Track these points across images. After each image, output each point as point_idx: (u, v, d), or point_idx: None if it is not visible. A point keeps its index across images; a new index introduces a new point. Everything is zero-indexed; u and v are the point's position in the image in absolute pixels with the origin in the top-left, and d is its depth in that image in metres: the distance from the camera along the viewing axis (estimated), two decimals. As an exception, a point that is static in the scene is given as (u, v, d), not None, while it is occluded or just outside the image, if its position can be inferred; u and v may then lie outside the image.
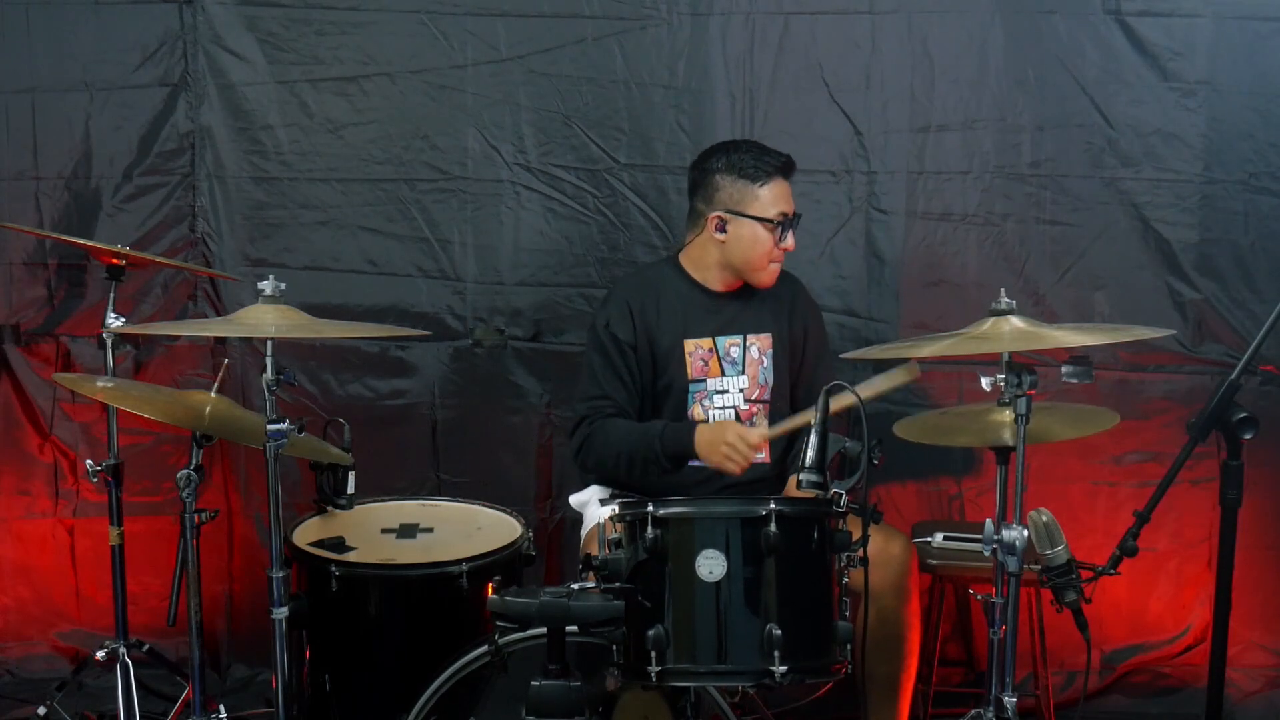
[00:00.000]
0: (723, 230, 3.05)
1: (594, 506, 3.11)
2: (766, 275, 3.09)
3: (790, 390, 3.18)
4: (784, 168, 3.06)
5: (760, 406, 3.12)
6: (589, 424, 3.04)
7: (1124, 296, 3.58)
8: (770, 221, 3.02)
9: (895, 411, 3.06)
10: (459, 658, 2.54)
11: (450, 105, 3.66)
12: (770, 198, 3.03)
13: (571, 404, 3.25)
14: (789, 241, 3.05)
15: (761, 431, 2.96)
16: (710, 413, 3.08)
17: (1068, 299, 3.59)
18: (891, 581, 2.88)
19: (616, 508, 2.32)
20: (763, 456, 3.06)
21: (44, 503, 3.77)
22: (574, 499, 3.26)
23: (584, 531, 3.15)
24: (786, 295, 3.18)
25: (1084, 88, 3.51)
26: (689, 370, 3.09)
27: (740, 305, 3.14)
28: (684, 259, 3.16)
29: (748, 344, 3.12)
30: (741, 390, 3.11)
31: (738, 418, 3.09)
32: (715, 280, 3.13)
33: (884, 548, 2.86)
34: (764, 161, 3.03)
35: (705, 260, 3.12)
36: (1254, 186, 3.52)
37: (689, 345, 3.09)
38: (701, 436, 2.93)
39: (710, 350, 3.10)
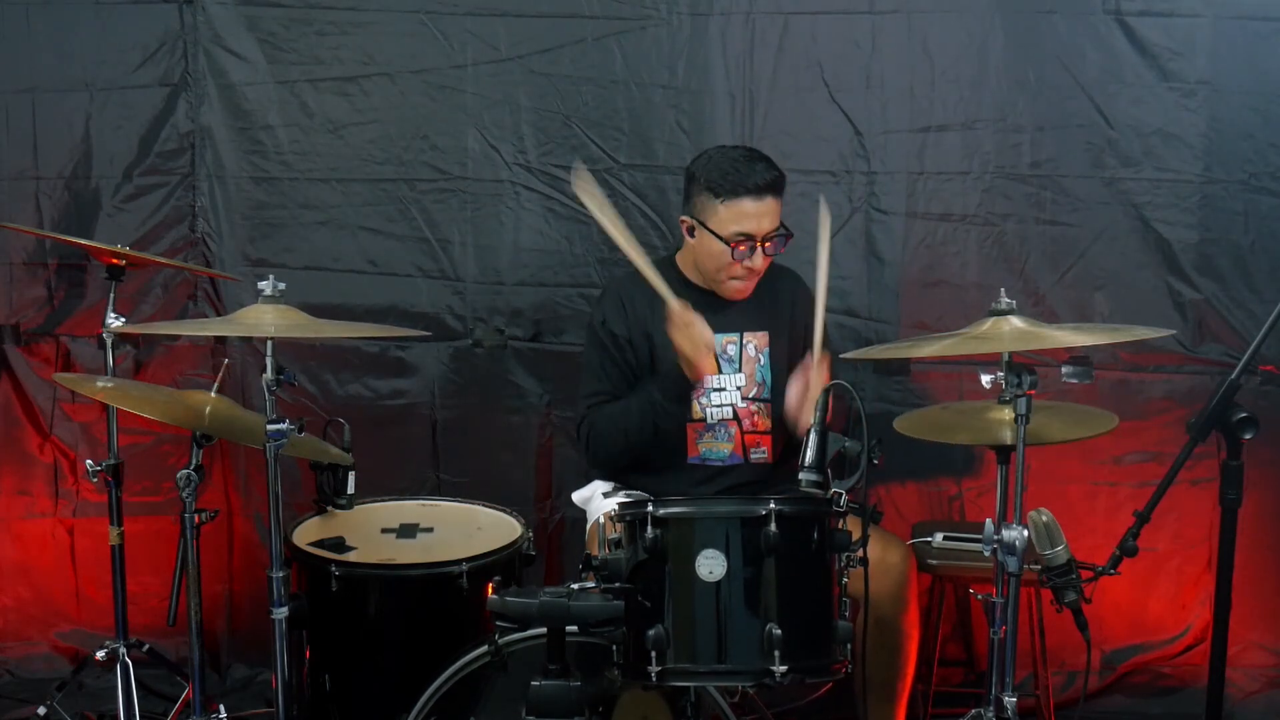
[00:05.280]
0: (692, 235, 3.05)
1: (597, 500, 3.11)
2: (728, 288, 3.03)
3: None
4: (757, 188, 2.92)
5: (760, 405, 3.10)
6: (590, 417, 3.05)
7: (1124, 296, 3.58)
8: (724, 240, 2.95)
9: (895, 411, 3.05)
10: (459, 658, 2.53)
11: (450, 105, 3.66)
12: (729, 216, 2.93)
13: (574, 403, 3.24)
14: (756, 261, 2.96)
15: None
16: (708, 410, 3.08)
17: (1068, 299, 3.59)
18: (889, 590, 2.88)
19: (616, 507, 2.32)
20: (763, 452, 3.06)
21: (44, 503, 3.77)
22: (577, 495, 3.25)
23: (588, 527, 3.14)
24: (787, 291, 3.16)
25: (1084, 88, 3.52)
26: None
27: (737, 303, 3.12)
28: (679, 257, 3.16)
29: (744, 342, 3.11)
30: (739, 388, 3.09)
31: (736, 416, 3.08)
32: (701, 280, 3.11)
33: (882, 556, 2.85)
34: (735, 178, 2.92)
35: (688, 260, 3.12)
36: (1254, 186, 3.52)
37: None
38: (681, 353, 2.86)
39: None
